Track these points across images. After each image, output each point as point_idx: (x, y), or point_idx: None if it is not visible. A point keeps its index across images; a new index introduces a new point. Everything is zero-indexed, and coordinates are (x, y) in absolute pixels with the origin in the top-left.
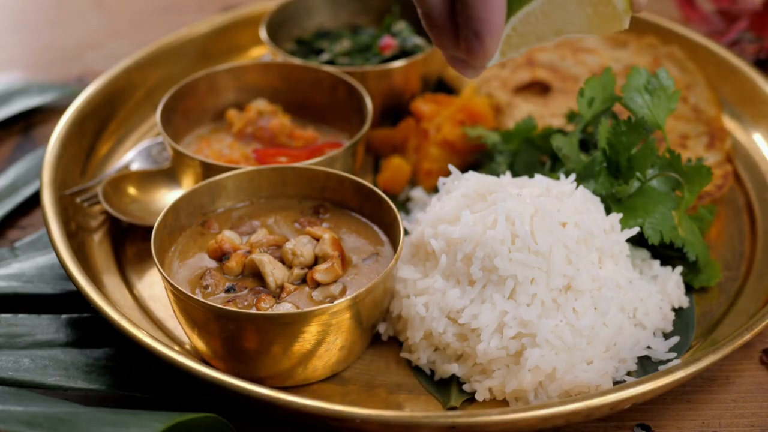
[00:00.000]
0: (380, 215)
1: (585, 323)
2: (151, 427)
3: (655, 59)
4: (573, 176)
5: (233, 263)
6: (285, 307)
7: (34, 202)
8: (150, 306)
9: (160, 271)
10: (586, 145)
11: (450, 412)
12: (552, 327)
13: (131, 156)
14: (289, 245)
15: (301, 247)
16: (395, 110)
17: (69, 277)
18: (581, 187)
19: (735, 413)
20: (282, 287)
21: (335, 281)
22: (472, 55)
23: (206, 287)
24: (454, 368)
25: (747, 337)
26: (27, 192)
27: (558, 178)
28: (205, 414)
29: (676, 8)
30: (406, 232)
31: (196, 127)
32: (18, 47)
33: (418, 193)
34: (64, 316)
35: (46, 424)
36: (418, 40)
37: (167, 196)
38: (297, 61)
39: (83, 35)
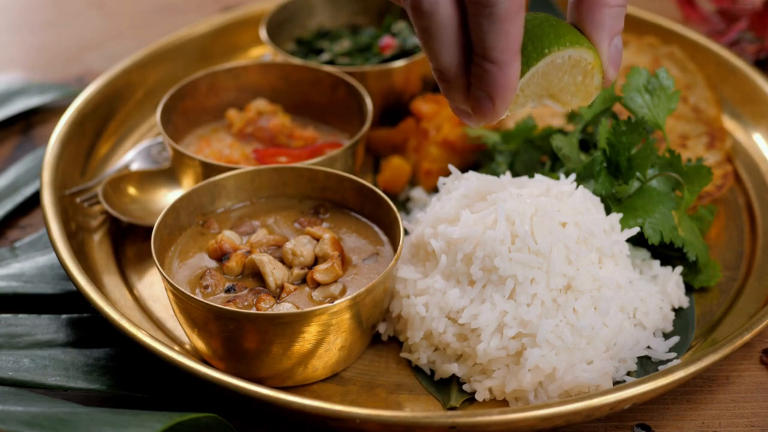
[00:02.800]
0: (380, 215)
1: (585, 323)
2: (151, 427)
3: (655, 59)
4: (573, 176)
5: (233, 263)
6: (285, 307)
7: (34, 202)
8: (150, 306)
9: (160, 271)
10: (586, 145)
11: (450, 412)
12: (552, 327)
13: (131, 156)
14: (289, 245)
15: (301, 247)
16: (395, 110)
17: (69, 277)
18: (581, 187)
19: (735, 413)
20: (282, 287)
21: (335, 281)
22: (481, 115)
23: (206, 287)
24: (454, 368)
25: (747, 337)
26: (27, 192)
27: (558, 178)
28: (205, 414)
29: (676, 8)
30: (406, 232)
31: (196, 127)
32: (18, 47)
33: (418, 193)
34: (64, 316)
35: (46, 424)
36: (418, 40)
37: (167, 196)
38: (297, 61)
39: (83, 35)
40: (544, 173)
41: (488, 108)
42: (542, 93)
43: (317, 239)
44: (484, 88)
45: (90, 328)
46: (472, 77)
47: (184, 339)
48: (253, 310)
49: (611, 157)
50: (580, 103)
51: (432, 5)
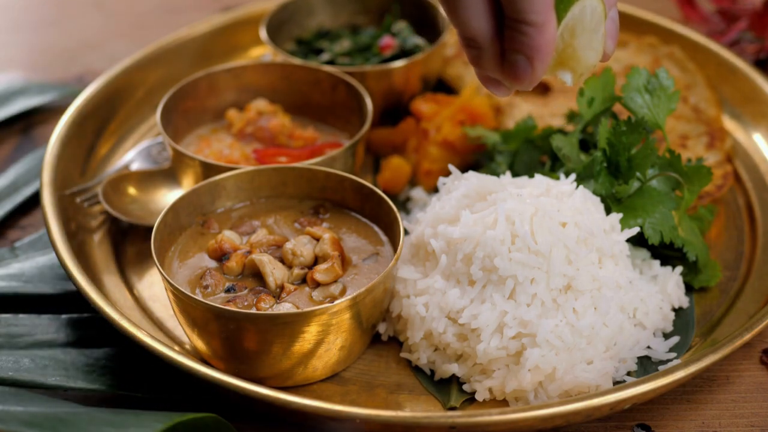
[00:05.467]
0: (380, 215)
1: (585, 323)
2: (151, 427)
3: (655, 59)
4: (573, 176)
5: (233, 263)
6: (285, 307)
7: (34, 202)
8: (150, 306)
9: (160, 271)
10: (586, 145)
11: (450, 412)
12: (552, 327)
13: (131, 156)
14: (289, 245)
15: (301, 247)
16: (395, 110)
17: (69, 277)
18: (581, 187)
19: (735, 413)
20: (282, 287)
21: (335, 281)
22: (518, 80)
23: (206, 287)
24: (454, 368)
25: (747, 337)
26: (27, 192)
27: (558, 178)
28: (205, 414)
29: (676, 8)
30: (406, 232)
31: (196, 127)
32: (18, 47)
33: (418, 193)
34: (64, 316)
35: (46, 424)
36: (418, 40)
37: (167, 196)
38: (297, 61)
39: (83, 35)
40: (544, 173)
41: (527, 72)
42: (567, 54)
43: (317, 239)
44: (522, 51)
45: (90, 328)
46: (506, 42)
47: (184, 339)
48: (253, 310)
49: (611, 157)
50: (594, 66)
51: None
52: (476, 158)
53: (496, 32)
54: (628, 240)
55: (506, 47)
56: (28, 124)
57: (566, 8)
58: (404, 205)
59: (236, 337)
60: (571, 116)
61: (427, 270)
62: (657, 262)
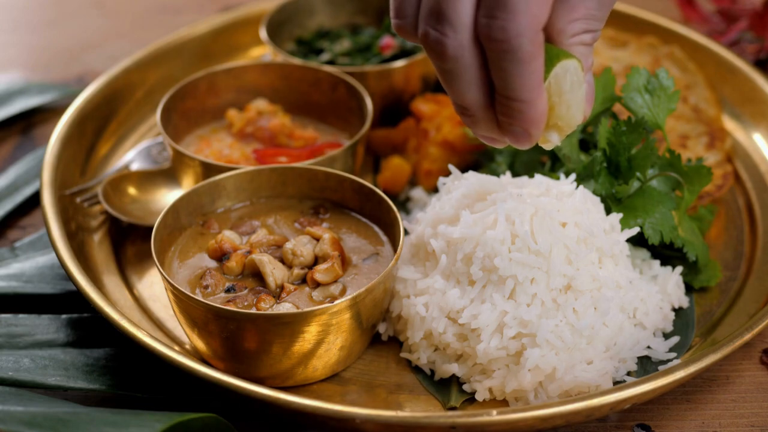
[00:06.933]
0: (380, 215)
1: (585, 323)
2: (151, 427)
3: (655, 59)
4: (573, 176)
5: (233, 263)
6: (285, 307)
7: (34, 202)
8: (150, 306)
9: (160, 271)
10: (586, 145)
11: (450, 412)
12: (552, 327)
13: (131, 156)
14: (289, 245)
15: (301, 247)
16: (395, 110)
17: (69, 277)
18: (581, 187)
19: (735, 413)
20: (282, 287)
21: (335, 281)
22: (517, 143)
23: (206, 287)
24: (454, 368)
25: (747, 337)
26: (27, 192)
27: (558, 178)
28: (205, 414)
29: (676, 8)
30: (406, 232)
31: (196, 127)
32: (18, 47)
33: (418, 193)
34: (64, 316)
35: (46, 424)
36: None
37: (167, 196)
38: (297, 61)
39: (83, 35)
40: (544, 173)
41: (524, 138)
42: (556, 113)
43: (317, 239)
44: (517, 124)
45: (90, 328)
46: (500, 114)
47: (184, 339)
48: (253, 310)
49: (611, 157)
50: (578, 123)
51: (457, 50)
52: (476, 158)
53: (489, 101)
54: (628, 240)
55: (499, 118)
56: (28, 124)
57: (548, 70)
58: (404, 205)
59: (236, 337)
60: None
61: (427, 270)
62: (657, 262)
